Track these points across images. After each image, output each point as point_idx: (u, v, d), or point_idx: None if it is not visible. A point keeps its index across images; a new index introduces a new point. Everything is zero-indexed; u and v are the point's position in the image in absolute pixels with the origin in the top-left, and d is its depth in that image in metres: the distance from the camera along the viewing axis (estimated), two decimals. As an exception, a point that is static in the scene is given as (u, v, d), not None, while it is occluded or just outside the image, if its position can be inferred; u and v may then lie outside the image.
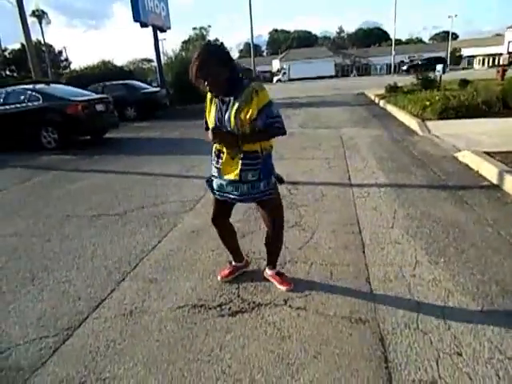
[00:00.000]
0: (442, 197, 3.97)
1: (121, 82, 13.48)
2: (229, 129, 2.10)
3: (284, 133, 2.19)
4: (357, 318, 2.17)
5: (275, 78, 56.37)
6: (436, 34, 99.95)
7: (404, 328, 2.06)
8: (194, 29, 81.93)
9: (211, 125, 2.20)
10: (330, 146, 6.84)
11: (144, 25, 13.76)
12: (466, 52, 64.32)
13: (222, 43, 2.18)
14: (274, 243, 2.51)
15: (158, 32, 15.06)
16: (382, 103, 11.88)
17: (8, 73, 47.73)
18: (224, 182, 2.25)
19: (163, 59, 15.97)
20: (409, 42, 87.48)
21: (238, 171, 2.16)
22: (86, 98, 8.45)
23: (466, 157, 5.05)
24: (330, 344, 1.97)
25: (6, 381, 1.89)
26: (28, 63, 17.68)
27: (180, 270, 2.86)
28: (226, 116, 2.09)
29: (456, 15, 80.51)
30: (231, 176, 2.20)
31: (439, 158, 5.47)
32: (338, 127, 8.80)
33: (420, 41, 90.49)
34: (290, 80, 53.69)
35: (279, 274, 2.58)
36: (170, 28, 15.76)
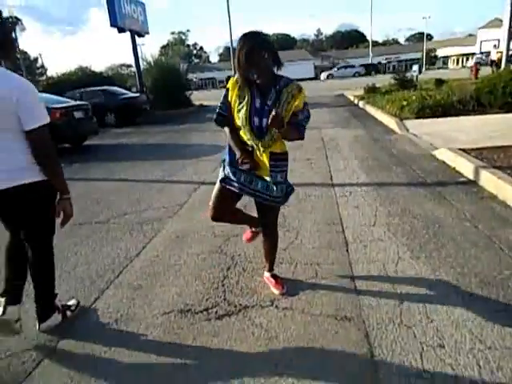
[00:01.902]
0: (421, 194, 4.06)
1: (99, 88, 13.27)
2: (264, 119, 2.02)
3: (303, 137, 2.16)
4: (342, 315, 2.20)
5: (256, 81, 56.55)
6: (411, 36, 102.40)
7: (388, 323, 2.10)
8: (173, 33, 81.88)
9: (243, 115, 2.06)
10: (312, 147, 6.91)
11: (121, 30, 13.62)
12: (440, 52, 66.14)
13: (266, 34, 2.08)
14: (269, 246, 2.51)
15: (136, 37, 14.94)
16: (361, 104, 12.09)
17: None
18: (251, 177, 2.20)
19: (142, 64, 15.86)
20: (385, 43, 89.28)
21: (268, 171, 2.14)
22: (63, 104, 8.30)
23: (442, 154, 5.19)
24: (317, 342, 1.99)
25: (-12, 397, 1.84)
26: (2, 70, 17.23)
27: (165, 275, 2.84)
28: (269, 103, 2.03)
29: (430, 16, 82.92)
30: (263, 173, 2.17)
31: (417, 155, 5.60)
32: (319, 128, 8.89)
33: (396, 42, 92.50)
34: (271, 83, 53.87)
35: (274, 277, 2.55)
36: (148, 33, 15.66)
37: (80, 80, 15.83)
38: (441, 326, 2.04)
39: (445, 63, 65.46)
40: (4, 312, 2.14)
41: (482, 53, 49.43)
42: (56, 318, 2.31)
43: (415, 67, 14.77)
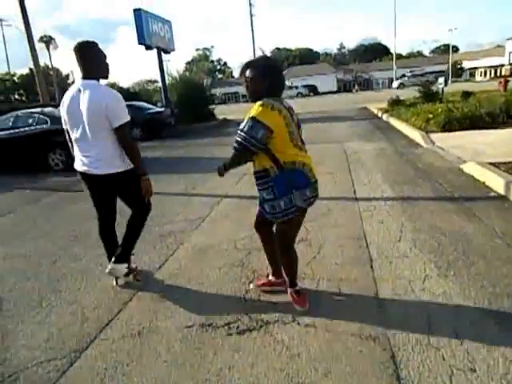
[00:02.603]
0: (449, 209, 3.94)
1: (126, 103, 13.66)
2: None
3: (235, 148, 2.21)
4: (367, 334, 2.13)
5: (278, 95, 56.98)
6: (436, 48, 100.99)
7: (415, 344, 2.02)
8: (197, 49, 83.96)
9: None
10: (335, 160, 6.86)
11: (148, 47, 14.09)
12: (467, 64, 64.81)
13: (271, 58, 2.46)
14: (284, 265, 2.52)
15: (163, 53, 15.40)
16: (384, 117, 11.95)
17: (17, 97, 48.97)
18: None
19: (168, 80, 16.31)
20: (410, 55, 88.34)
21: (257, 191, 2.33)
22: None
23: (471, 168, 5.04)
24: (340, 362, 1.94)
25: (15, 405, 1.88)
26: (36, 87, 18.15)
27: (187, 288, 2.85)
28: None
29: (456, 28, 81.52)
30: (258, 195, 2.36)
31: (444, 169, 5.46)
32: (342, 141, 8.84)
33: (421, 54, 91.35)
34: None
35: (296, 292, 2.49)
36: (174, 50, 16.12)
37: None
38: (471, 348, 1.95)
39: (472, 75, 64.01)
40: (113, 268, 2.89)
41: (510, 64, 48.21)
42: (123, 268, 2.90)
43: (441, 79, 14.48)
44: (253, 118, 2.10)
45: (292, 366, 1.94)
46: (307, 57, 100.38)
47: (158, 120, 13.22)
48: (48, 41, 38.07)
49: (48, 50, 37.68)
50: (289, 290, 2.53)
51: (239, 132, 2.15)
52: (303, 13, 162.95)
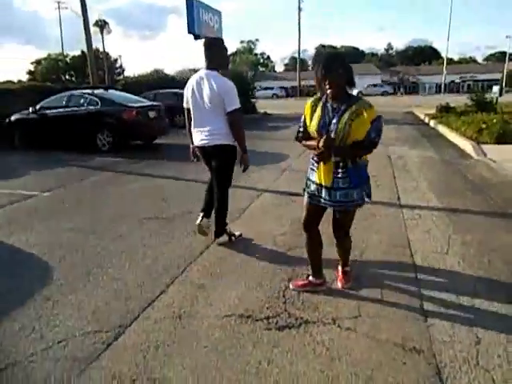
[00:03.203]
0: (500, 225, 3.75)
1: (171, 90, 13.99)
2: (332, 134, 2.22)
3: (371, 151, 2.32)
4: (410, 346, 2.07)
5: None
6: (491, 55, 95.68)
7: (463, 363, 1.94)
8: (242, 42, 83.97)
9: (313, 128, 2.33)
10: (378, 164, 6.67)
11: (197, 37, 14.22)
12: (524, 74, 60.93)
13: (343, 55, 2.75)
14: (343, 250, 2.71)
15: (210, 44, 15.50)
16: (432, 123, 11.50)
17: (67, 77, 51.24)
18: (319, 187, 2.42)
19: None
20: (461, 61, 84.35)
21: (331, 178, 2.35)
22: (140, 104, 8.87)
23: (527, 184, 4.75)
24: (383, 371, 1.89)
25: (63, 369, 1.98)
26: (86, 69, 18.90)
27: (227, 278, 2.89)
28: (334, 121, 2.24)
29: (515, 35, 76.06)
30: (326, 182, 2.37)
31: (497, 183, 5.19)
32: (386, 145, 8.56)
33: (473, 60, 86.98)
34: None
35: (344, 273, 2.72)
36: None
37: (154, 82, 16.77)
38: (525, 374, 1.84)
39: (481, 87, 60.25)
40: (201, 221, 3.50)
41: None
42: (224, 238, 3.49)
43: (495, 88, 13.72)
44: (380, 116, 2.26)
45: (332, 369, 1.92)
46: (352, 56, 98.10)
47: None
48: (102, 25, 39.35)
49: (102, 34, 38.98)
50: (340, 269, 2.74)
51: (379, 132, 2.26)
52: (351, 10, 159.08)
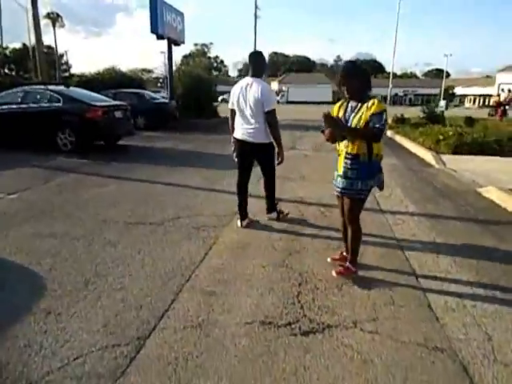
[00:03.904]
0: (477, 230, 4.06)
1: (132, 90, 13.52)
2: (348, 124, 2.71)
3: (377, 139, 2.67)
4: (432, 345, 2.17)
5: (273, 100, 57.28)
6: (429, 71, 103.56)
7: (483, 359, 2.07)
8: (196, 44, 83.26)
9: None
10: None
11: (160, 37, 13.91)
12: (458, 90, 66.75)
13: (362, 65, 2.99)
14: (350, 239, 2.95)
15: (169, 45, 15.19)
16: (389, 133, 12.18)
17: (7, 71, 47.43)
18: (337, 177, 2.89)
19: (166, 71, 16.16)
20: (403, 76, 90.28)
21: (342, 167, 2.80)
22: (105, 103, 8.46)
23: (490, 192, 5.20)
24: (416, 370, 1.97)
25: (87, 388, 1.83)
26: (27, 63, 17.54)
27: (236, 284, 2.84)
28: (351, 117, 2.71)
29: (451, 54, 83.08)
30: (339, 171, 2.85)
31: (462, 191, 5.61)
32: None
33: (414, 76, 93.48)
34: (288, 102, 54.66)
35: (347, 269, 2.98)
36: (183, 42, 15.97)
37: (111, 80, 16.06)
38: (538, 367, 2.01)
39: (461, 101, 66.00)
40: (241, 224, 4.07)
41: (498, 95, 49.87)
42: (274, 214, 4.25)
43: (442, 103, 15.01)
44: (385, 111, 2.63)
45: (368, 371, 1.96)
46: (304, 65, 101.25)
47: (163, 111, 13.07)
48: (55, 18, 36.80)
49: (54, 27, 36.38)
50: (347, 264, 3.00)
51: (383, 122, 2.58)
52: (302, 21, 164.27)
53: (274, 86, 67.48)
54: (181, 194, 5.22)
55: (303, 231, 3.96)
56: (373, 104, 2.61)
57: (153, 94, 14.20)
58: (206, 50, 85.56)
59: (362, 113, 2.64)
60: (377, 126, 2.57)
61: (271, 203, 4.24)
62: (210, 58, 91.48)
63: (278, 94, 59.54)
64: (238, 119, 3.88)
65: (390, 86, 42.55)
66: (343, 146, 2.80)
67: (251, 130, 3.78)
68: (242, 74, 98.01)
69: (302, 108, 37.13)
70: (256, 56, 3.83)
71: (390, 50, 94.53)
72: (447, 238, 3.79)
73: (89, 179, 6.01)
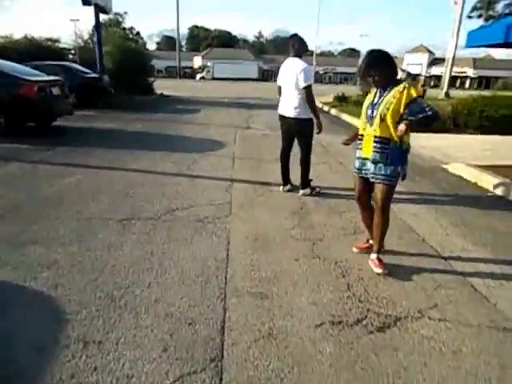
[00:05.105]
0: (462, 204, 4.32)
1: (57, 62, 11.85)
2: (374, 112, 2.65)
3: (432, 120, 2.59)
4: (501, 327, 2.23)
5: (198, 76, 55.48)
6: (343, 50, 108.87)
7: (548, 334, 2.18)
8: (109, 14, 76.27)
9: (364, 107, 2.80)
10: (317, 151, 6.95)
11: (87, 2, 12.30)
12: (372, 70, 71.10)
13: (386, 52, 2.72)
14: (377, 226, 2.84)
15: (96, 13, 13.54)
16: (334, 112, 12.51)
17: None
18: (363, 161, 2.81)
19: (78, 42, 14.56)
20: (322, 54, 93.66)
21: (371, 151, 2.72)
22: (40, 78, 7.25)
23: (457, 169, 5.59)
24: (505, 355, 2.00)
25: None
26: None
27: (280, 282, 2.62)
28: (379, 102, 2.64)
29: (367, 35, 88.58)
30: (367, 154, 2.76)
31: (430, 168, 5.95)
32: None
33: (332, 54, 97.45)
34: (214, 79, 53.36)
35: (379, 260, 2.85)
36: (111, 10, 14.37)
37: (30, 52, 13.91)
38: None
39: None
40: (284, 189, 4.56)
41: (411, 75, 54.38)
42: (307, 190, 4.48)
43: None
44: (419, 96, 2.58)
45: (465, 362, 1.94)
46: (225, 40, 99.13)
47: (95, 87, 11.71)
48: None
49: None
50: (373, 255, 2.87)
51: (425, 107, 2.52)
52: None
53: (198, 61, 65.27)
54: (160, 183, 4.72)
55: (311, 217, 3.84)
56: (404, 88, 2.54)
57: (82, 68, 12.62)
58: (119, 19, 78.65)
59: (392, 96, 2.57)
60: (420, 115, 2.50)
61: (305, 179, 4.47)
62: (124, 28, 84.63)
63: (202, 69, 57.77)
64: (282, 96, 4.32)
65: (314, 63, 43.80)
66: (371, 130, 2.71)
67: (292, 106, 4.17)
68: (161, 47, 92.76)
69: (232, 85, 36.58)
70: (295, 37, 4.20)
71: (307, 28, 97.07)
72: (445, 216, 3.97)
73: (41, 169, 5.13)
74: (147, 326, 2.11)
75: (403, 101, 2.53)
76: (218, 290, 2.49)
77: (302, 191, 4.48)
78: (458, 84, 56.76)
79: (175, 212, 3.79)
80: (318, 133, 4.30)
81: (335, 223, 3.72)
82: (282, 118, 4.39)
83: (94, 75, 12.35)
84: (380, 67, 2.62)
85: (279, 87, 4.39)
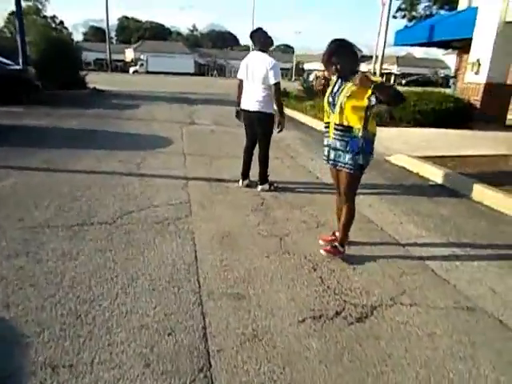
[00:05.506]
0: (409, 193, 4.62)
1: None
2: (336, 99, 2.72)
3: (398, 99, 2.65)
4: (464, 306, 2.40)
5: (131, 69, 52.98)
6: (277, 46, 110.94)
7: (504, 309, 2.40)
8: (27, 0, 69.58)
9: (325, 97, 2.85)
10: (273, 146, 6.97)
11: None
12: (306, 66, 73.41)
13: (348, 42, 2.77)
14: (343, 217, 2.94)
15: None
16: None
17: None
18: (329, 148, 2.86)
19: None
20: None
21: (332, 138, 2.79)
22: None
23: (400, 160, 5.95)
24: (474, 333, 2.15)
25: None
26: None
27: (255, 281, 2.58)
28: (338, 92, 2.72)
29: (300, 32, 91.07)
30: (329, 140, 2.84)
31: (374, 160, 6.22)
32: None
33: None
34: (148, 72, 51.31)
35: (334, 247, 2.95)
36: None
37: None
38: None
39: (308, 76, 73.05)
40: (243, 183, 4.57)
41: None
42: (266, 186, 4.48)
43: (311, 76, 16.20)
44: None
45: (441, 343, 2.05)
46: (158, 32, 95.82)
47: (19, 80, 10.59)
48: None
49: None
50: (335, 243, 2.97)
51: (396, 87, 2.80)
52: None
53: (130, 54, 62.34)
54: (109, 184, 4.40)
55: (273, 213, 3.84)
56: (361, 79, 2.51)
57: (2, 59, 11.32)
58: (39, 6, 72.22)
59: (352, 85, 2.58)
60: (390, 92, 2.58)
61: (263, 175, 4.46)
62: (45, 17, 77.99)
63: (135, 63, 55.29)
64: (245, 91, 4.27)
65: (251, 59, 44.04)
66: (333, 118, 2.77)
67: (254, 100, 4.15)
68: (88, 38, 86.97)
69: (168, 80, 35.49)
70: (258, 34, 4.14)
71: (243, 24, 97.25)
72: (397, 205, 4.20)
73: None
74: (122, 341, 1.94)
75: (365, 89, 2.52)
76: (193, 294, 2.38)
77: (260, 187, 4.47)
78: (384, 80, 60.66)
79: (132, 214, 3.55)
80: (279, 131, 4.32)
81: (297, 218, 3.75)
82: (244, 112, 4.33)
83: (17, 67, 11.18)
84: (341, 57, 2.65)
85: (240, 81, 4.32)
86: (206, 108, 12.59)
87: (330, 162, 2.89)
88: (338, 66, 2.66)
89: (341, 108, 2.67)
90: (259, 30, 4.18)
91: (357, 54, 2.76)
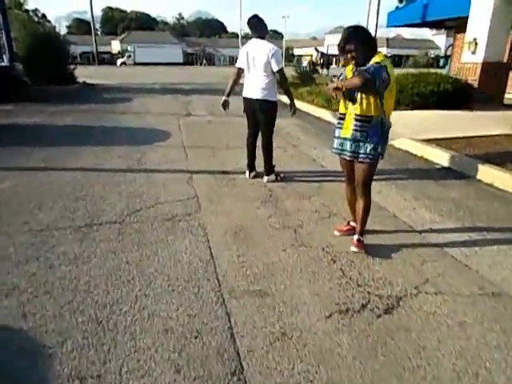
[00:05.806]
0: (416, 177, 4.57)
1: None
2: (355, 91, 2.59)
3: (359, 83, 2.47)
4: (490, 292, 2.37)
5: (119, 61, 52.03)
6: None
7: None
8: (7, -7, 67.71)
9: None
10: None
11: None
12: (296, 51, 72.72)
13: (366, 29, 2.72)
14: (361, 208, 2.86)
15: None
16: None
17: None
18: (342, 141, 2.77)
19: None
20: (246, 37, 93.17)
21: (351, 130, 2.68)
22: None
23: (403, 144, 5.88)
24: (503, 320, 2.12)
25: None
26: None
27: (276, 276, 2.52)
28: None
29: (288, 16, 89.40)
30: (347, 134, 2.72)
31: (377, 145, 6.19)
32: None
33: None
34: (136, 64, 50.45)
35: (359, 241, 2.85)
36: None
37: None
38: None
39: (298, 61, 72.45)
40: (249, 175, 4.47)
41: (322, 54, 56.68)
42: (272, 176, 4.38)
43: (305, 63, 16.01)
44: (377, 63, 2.48)
45: (473, 332, 2.01)
46: (144, 22, 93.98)
47: (9, 77, 10.30)
48: None
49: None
50: (356, 237, 2.86)
51: (367, 69, 2.45)
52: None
53: (116, 45, 61.16)
54: (113, 181, 4.29)
55: (283, 204, 3.76)
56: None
57: (-14, 55, 11.01)
58: (21, 1, 70.32)
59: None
60: (364, 73, 2.45)
61: (269, 165, 4.37)
62: (27, 11, 76.08)
63: (122, 54, 54.30)
64: (246, 78, 4.19)
65: (240, 46, 43.52)
66: (352, 108, 2.66)
67: (258, 88, 4.05)
68: (73, 31, 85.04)
69: (157, 70, 34.93)
70: (255, 22, 4.06)
71: (230, 12, 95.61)
72: (406, 190, 4.15)
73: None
74: (149, 346, 1.87)
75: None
76: (214, 293, 2.31)
77: (266, 178, 4.38)
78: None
79: (140, 212, 3.46)
80: (292, 114, 4.34)
81: (308, 208, 3.69)
82: (247, 101, 4.21)
83: (3, 64, 10.87)
84: (356, 44, 2.53)
85: (239, 70, 4.22)
86: (200, 98, 12.37)
87: (348, 155, 2.76)
88: (354, 54, 2.56)
89: (361, 98, 2.58)
90: (255, 16, 4.10)
91: (374, 40, 2.63)
